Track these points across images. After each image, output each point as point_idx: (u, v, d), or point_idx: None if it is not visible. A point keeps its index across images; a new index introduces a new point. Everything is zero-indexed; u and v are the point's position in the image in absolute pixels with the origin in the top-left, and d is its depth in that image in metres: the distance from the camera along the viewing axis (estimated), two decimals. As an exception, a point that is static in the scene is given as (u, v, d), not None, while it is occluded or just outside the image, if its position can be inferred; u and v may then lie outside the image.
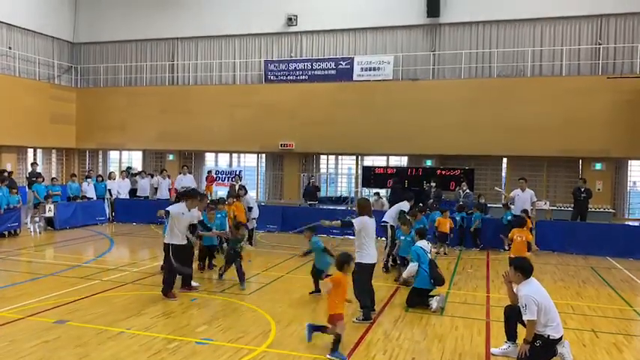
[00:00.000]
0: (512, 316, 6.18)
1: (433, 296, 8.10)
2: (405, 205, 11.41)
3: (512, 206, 14.40)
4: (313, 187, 19.39)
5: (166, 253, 8.46)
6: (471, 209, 14.81)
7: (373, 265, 7.55)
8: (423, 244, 8.60)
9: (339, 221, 7.77)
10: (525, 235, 10.22)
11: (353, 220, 7.54)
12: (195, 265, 9.94)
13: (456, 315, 7.86)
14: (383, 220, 11.15)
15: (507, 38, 19.96)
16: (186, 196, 8.75)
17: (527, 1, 19.30)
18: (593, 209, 17.23)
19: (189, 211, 8.55)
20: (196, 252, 10.14)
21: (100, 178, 18.60)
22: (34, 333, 6.59)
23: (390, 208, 12.29)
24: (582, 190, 15.54)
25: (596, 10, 18.88)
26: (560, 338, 5.78)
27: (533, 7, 19.24)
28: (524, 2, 19.34)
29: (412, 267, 8.41)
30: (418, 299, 8.09)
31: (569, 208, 16.82)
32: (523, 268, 5.96)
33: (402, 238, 9.94)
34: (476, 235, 14.22)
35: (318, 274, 8.76)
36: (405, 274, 8.90)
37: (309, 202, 18.96)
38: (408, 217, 10.25)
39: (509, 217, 13.66)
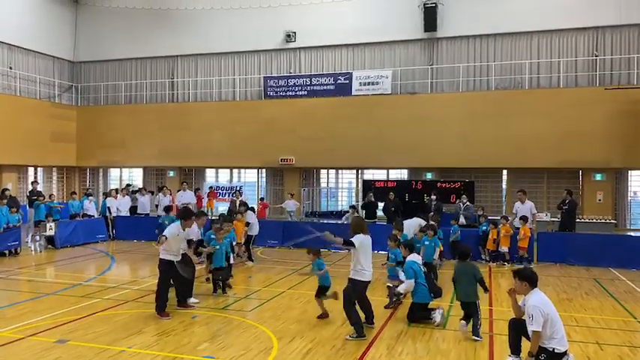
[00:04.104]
0: (517, 329, 6.12)
1: (434, 309, 8.03)
2: (420, 221, 11.48)
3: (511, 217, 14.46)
4: (371, 203, 17.45)
5: (160, 268, 8.48)
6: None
7: (367, 282, 7.50)
8: (415, 257, 8.44)
9: (341, 239, 7.38)
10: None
11: (353, 240, 7.35)
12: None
13: (459, 329, 7.80)
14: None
15: (504, 51, 20.11)
16: (181, 217, 8.58)
17: (524, 15, 19.45)
18: (595, 220, 17.18)
19: (184, 230, 8.47)
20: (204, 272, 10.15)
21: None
22: (35, 353, 6.54)
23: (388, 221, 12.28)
24: (566, 202, 15.22)
25: (592, 22, 19.05)
26: (565, 352, 5.71)
27: (530, 20, 19.41)
28: (520, 15, 19.50)
29: (409, 284, 8.06)
30: (420, 314, 8.02)
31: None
32: (528, 278, 5.90)
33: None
34: (454, 247, 13.23)
35: (323, 292, 8.29)
36: (401, 290, 8.35)
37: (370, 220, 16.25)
38: (395, 233, 9.91)
39: (457, 231, 13.91)
